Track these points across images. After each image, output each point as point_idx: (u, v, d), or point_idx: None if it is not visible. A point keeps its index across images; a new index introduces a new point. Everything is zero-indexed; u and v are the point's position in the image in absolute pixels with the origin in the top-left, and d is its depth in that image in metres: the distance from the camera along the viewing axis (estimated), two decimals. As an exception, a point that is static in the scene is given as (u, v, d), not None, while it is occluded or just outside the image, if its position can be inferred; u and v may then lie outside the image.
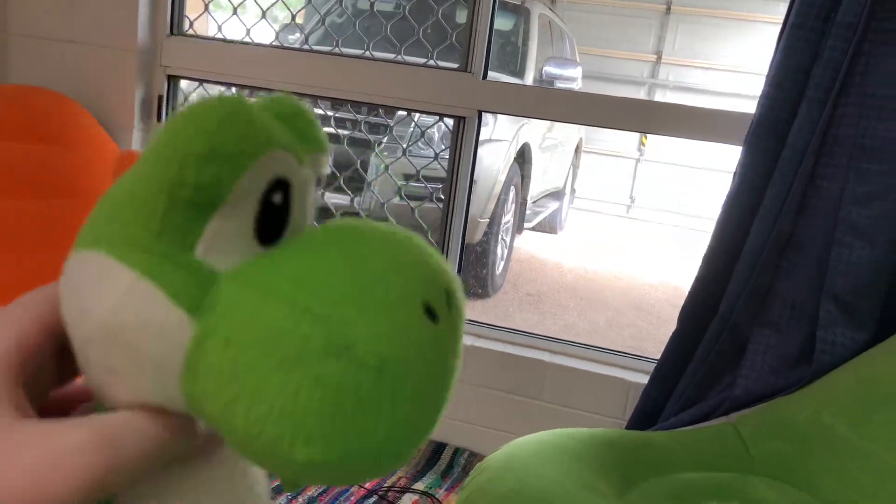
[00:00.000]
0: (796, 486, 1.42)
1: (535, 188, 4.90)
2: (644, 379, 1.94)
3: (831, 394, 1.50)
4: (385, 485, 1.97)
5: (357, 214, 2.67)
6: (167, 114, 2.25)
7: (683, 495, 1.39)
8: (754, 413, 1.62)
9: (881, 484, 1.31)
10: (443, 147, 2.82)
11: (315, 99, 2.21)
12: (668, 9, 7.61)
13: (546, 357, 2.05)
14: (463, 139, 2.05)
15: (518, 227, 4.44)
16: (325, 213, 2.66)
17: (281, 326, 0.27)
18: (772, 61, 1.60)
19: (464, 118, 2.03)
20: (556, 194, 5.78)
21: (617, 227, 7.24)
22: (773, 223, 1.59)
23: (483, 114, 2.05)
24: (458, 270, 2.16)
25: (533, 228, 5.55)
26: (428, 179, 2.68)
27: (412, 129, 3.12)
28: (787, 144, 1.55)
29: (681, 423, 1.67)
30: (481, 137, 2.12)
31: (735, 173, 1.65)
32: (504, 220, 3.78)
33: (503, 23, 4.17)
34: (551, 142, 4.92)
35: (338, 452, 0.27)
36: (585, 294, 4.47)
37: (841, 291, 1.55)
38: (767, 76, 1.60)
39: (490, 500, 1.24)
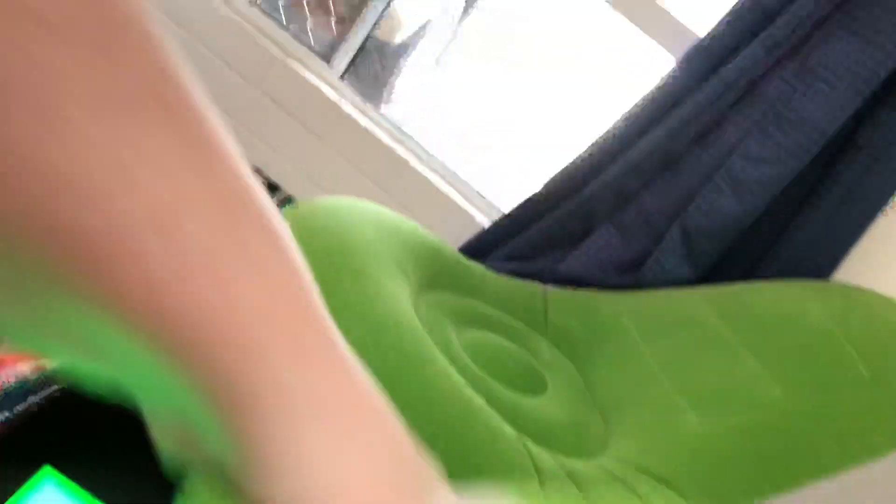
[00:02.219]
0: (573, 361, 1.50)
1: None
2: (487, 223, 1.94)
3: (639, 305, 1.57)
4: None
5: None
6: None
7: (473, 319, 1.42)
8: (566, 291, 1.67)
9: (644, 391, 1.40)
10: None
11: None
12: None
13: (416, 163, 1.98)
14: None
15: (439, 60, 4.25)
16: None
17: None
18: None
19: None
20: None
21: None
22: (669, 139, 1.59)
23: None
24: (361, 48, 1.99)
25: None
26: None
27: None
28: (716, 76, 1.53)
29: (500, 269, 1.69)
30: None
31: (661, 79, 1.62)
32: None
33: None
34: None
35: None
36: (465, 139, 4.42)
37: (692, 227, 1.59)
38: (732, 6, 1.56)
39: (302, 231, 1.17)
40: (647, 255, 1.66)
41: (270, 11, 2.05)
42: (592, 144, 1.70)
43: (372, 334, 0.98)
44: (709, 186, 1.58)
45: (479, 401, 1.04)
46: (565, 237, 1.72)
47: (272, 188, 2.05)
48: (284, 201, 2.04)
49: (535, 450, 1.02)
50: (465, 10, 3.86)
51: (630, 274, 1.68)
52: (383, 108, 3.48)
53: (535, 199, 1.76)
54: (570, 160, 1.73)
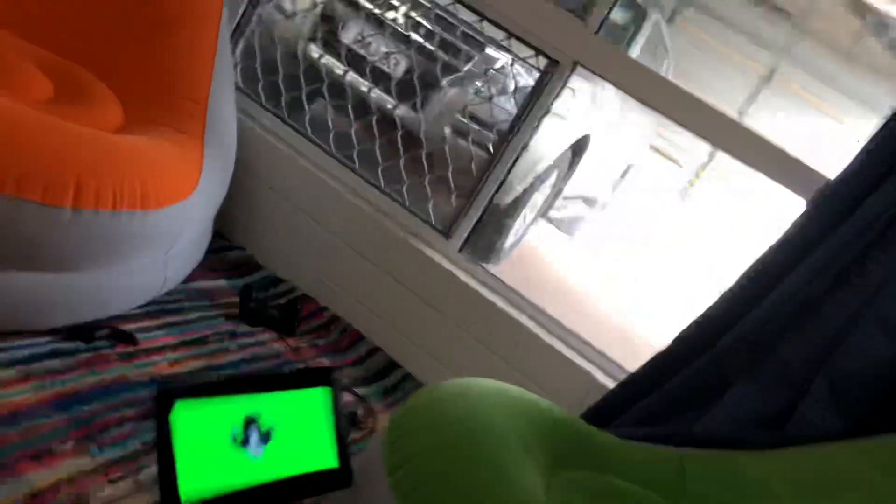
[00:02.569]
0: (718, 534, 1.38)
1: (574, 185, 4.79)
2: (610, 384, 1.89)
3: (789, 466, 1.45)
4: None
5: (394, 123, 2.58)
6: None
7: (607, 497, 1.36)
8: (704, 454, 1.57)
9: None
10: (510, 100, 2.72)
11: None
12: (770, 76, 7.41)
13: (530, 324, 2.00)
14: (543, 90, 1.97)
15: (543, 212, 4.35)
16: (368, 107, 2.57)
17: None
18: (875, 134, 1.52)
19: (553, 66, 1.94)
20: (590, 202, 5.66)
21: (625, 259, 7.05)
22: (805, 284, 1.52)
23: (569, 78, 1.97)
24: (479, 220, 2.10)
25: (550, 221, 5.44)
26: (476, 120, 2.60)
27: (487, 69, 3.02)
28: (855, 215, 1.48)
29: (631, 435, 1.62)
30: (552, 109, 2.04)
31: (793, 224, 1.58)
32: (532, 198, 3.69)
33: (619, 15, 4.04)
34: (608, 151, 4.80)
35: None
36: (576, 307, 4.40)
37: (840, 375, 1.49)
38: (864, 146, 1.53)
39: (431, 418, 1.19)
40: (791, 408, 1.55)
41: (393, 195, 2.20)
42: (722, 296, 1.65)
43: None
44: (855, 330, 1.49)
45: None
46: (699, 395, 1.64)
47: (393, 366, 2.12)
48: (403, 379, 2.09)
49: None
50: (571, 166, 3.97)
51: (773, 431, 1.57)
52: (493, 268, 3.57)
53: (664, 356, 1.71)
54: (699, 314, 1.68)
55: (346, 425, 1.28)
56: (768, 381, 1.59)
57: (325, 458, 1.18)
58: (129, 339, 1.61)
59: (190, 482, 1.01)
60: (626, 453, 1.51)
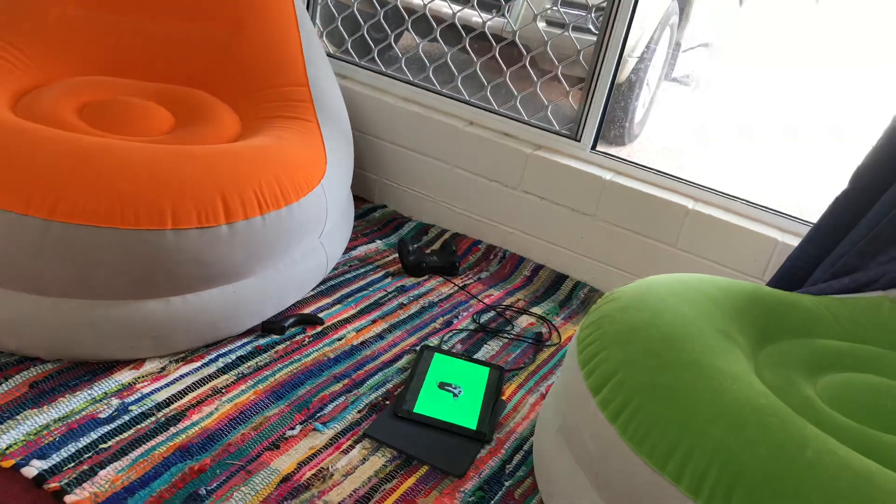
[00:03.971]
0: (956, 371, 1.28)
1: (690, 35, 4.43)
2: (794, 241, 1.78)
3: None
4: (504, 303, 1.97)
5: (498, 36, 2.48)
6: None
7: (823, 362, 1.29)
8: (919, 291, 1.45)
9: None
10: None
11: None
12: None
13: (689, 203, 1.90)
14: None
15: (666, 74, 4.08)
16: (457, 31, 2.49)
17: None
18: None
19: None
20: (710, 47, 5.22)
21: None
22: None
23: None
24: (604, 111, 2.00)
25: (675, 80, 5.10)
26: (568, 3, 2.43)
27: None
28: None
29: (831, 290, 1.52)
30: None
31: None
32: (650, 64, 3.46)
33: None
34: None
35: None
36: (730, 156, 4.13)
37: None
38: None
39: (619, 328, 1.18)
40: None
41: (510, 114, 2.16)
42: None
43: (734, 434, 0.95)
44: None
45: (872, 466, 0.93)
46: None
47: (561, 278, 2.11)
48: (575, 288, 2.09)
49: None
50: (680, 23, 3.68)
51: None
52: (631, 150, 3.42)
53: (846, 196, 1.57)
54: (876, 142, 1.52)
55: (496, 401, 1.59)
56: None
57: (471, 419, 1.51)
58: (315, 321, 1.73)
59: (420, 404, 1.53)
60: (830, 310, 1.42)
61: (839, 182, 1.60)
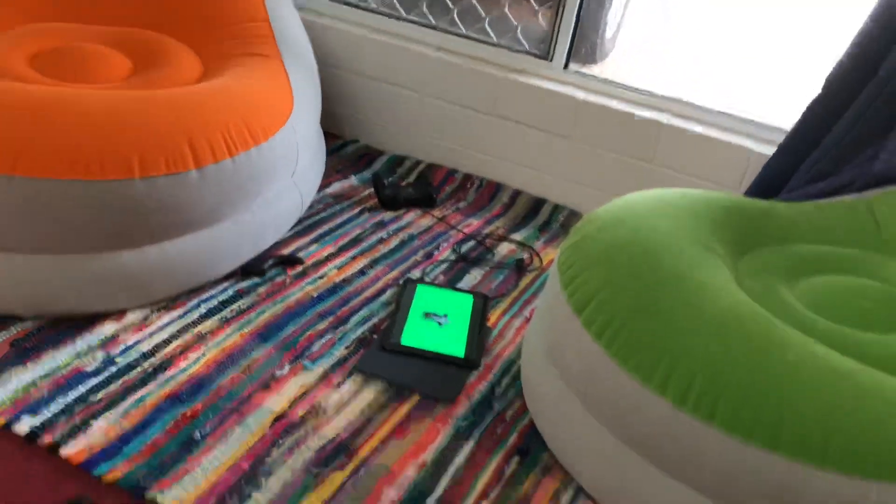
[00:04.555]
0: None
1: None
2: (769, 150, 1.78)
3: None
4: (484, 232, 1.97)
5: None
6: None
7: (801, 267, 1.31)
8: (893, 191, 1.46)
9: None
10: None
11: None
12: None
13: (662, 118, 1.89)
14: None
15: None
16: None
17: None
18: None
19: None
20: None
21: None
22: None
23: None
24: (575, 28, 1.95)
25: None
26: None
27: None
28: None
29: (807, 195, 1.53)
30: None
31: None
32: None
33: None
34: None
35: None
36: (705, 78, 4.09)
37: None
38: None
39: (599, 248, 1.19)
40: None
41: (478, 37, 2.10)
42: (869, 20, 1.46)
43: (716, 343, 0.96)
44: None
45: (853, 365, 0.96)
46: (870, 133, 1.50)
47: (539, 203, 2.11)
48: (554, 211, 2.08)
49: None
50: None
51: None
52: (598, 68, 3.36)
53: (819, 102, 1.56)
54: (848, 46, 1.50)
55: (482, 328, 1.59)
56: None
57: (458, 347, 1.52)
58: (295, 261, 1.71)
59: (406, 336, 1.53)
60: (807, 216, 1.44)
61: (813, 90, 1.59)
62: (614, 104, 1.93)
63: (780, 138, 1.74)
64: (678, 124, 1.86)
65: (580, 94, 1.96)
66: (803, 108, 1.58)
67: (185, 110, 1.40)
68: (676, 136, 1.86)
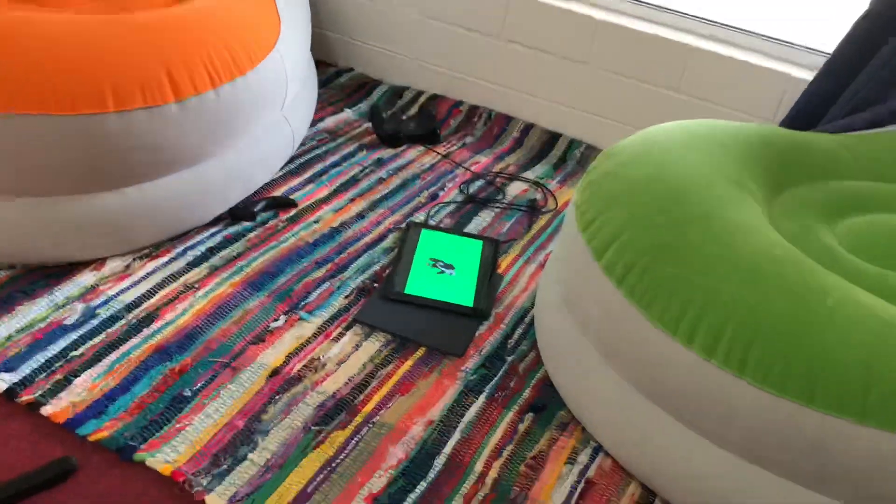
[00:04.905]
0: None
1: None
2: (808, 76, 1.73)
3: None
4: (493, 170, 1.95)
5: None
6: None
7: (843, 205, 1.29)
8: (945, 121, 1.43)
9: None
10: None
11: None
12: None
13: (690, 40, 1.84)
14: None
15: None
16: None
17: None
18: None
19: None
20: None
21: None
22: None
23: None
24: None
25: None
26: None
27: None
28: None
29: (850, 126, 1.50)
30: None
31: None
32: None
33: None
34: None
35: None
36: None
37: None
38: None
39: (620, 186, 1.17)
40: None
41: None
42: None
43: (749, 289, 0.95)
44: None
45: (893, 312, 0.95)
46: (922, 55, 1.46)
47: (554, 137, 2.07)
48: (569, 147, 2.05)
49: None
50: None
51: None
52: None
53: (865, 22, 1.52)
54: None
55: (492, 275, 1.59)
56: None
57: (466, 296, 1.51)
58: (288, 203, 1.70)
59: (410, 284, 1.53)
60: (847, 149, 1.41)
61: (860, 5, 1.54)
62: (636, 24, 1.88)
63: (821, 63, 1.69)
64: (707, 47, 1.82)
65: (598, 14, 1.91)
66: (848, 27, 1.53)
67: (161, 36, 1.36)
68: (705, 61, 1.82)
